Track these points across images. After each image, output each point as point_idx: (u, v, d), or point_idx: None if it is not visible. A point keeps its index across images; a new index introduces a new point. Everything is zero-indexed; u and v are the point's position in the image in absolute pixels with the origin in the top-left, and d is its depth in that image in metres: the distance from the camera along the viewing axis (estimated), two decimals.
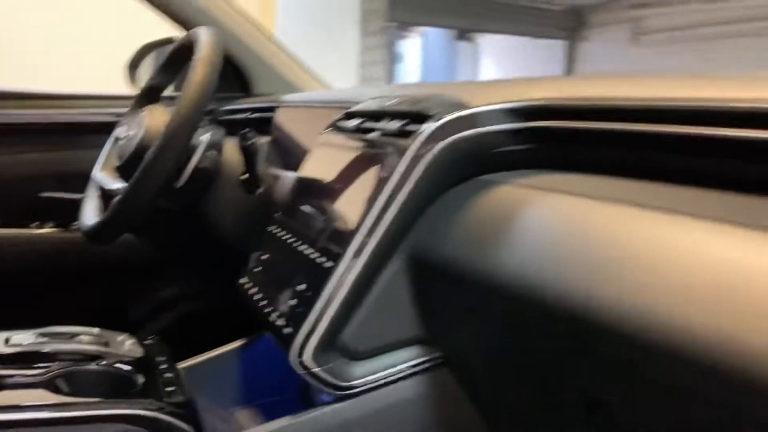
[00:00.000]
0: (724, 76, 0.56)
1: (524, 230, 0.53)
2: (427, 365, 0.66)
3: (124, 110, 1.29)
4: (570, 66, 8.91)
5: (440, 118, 0.62)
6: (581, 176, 0.55)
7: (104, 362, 0.66)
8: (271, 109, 1.20)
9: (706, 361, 0.37)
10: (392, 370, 0.65)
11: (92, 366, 0.65)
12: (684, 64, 7.22)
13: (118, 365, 0.67)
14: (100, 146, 1.27)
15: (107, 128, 1.27)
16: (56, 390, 0.60)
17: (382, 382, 0.64)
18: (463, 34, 9.97)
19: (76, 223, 1.13)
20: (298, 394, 0.79)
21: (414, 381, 0.66)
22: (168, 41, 1.45)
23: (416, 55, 10.31)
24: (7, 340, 0.66)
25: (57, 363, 0.64)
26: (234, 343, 0.89)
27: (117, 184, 0.94)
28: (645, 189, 0.49)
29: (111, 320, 0.86)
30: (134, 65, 1.50)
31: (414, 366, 0.66)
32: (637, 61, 7.90)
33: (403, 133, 0.65)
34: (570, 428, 0.55)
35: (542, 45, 8.98)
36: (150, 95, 1.06)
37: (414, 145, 0.61)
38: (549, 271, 0.49)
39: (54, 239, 1.21)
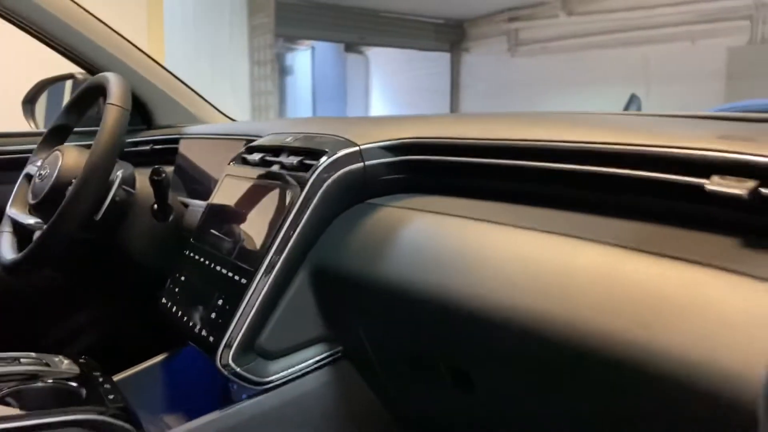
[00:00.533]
0: (547, 118, 0.74)
1: (399, 243, 0.67)
2: (330, 359, 0.79)
3: (25, 147, 1.33)
4: (454, 77, 9.34)
5: (333, 155, 0.75)
6: (442, 198, 0.71)
7: (48, 380, 0.74)
8: (174, 141, 1.28)
9: (524, 330, 0.53)
10: (302, 365, 0.77)
11: (38, 384, 0.73)
12: (556, 72, 7.78)
13: (60, 381, 0.75)
14: (2, 182, 1.31)
15: (9, 165, 1.31)
16: (8, 406, 0.68)
17: (294, 375, 0.77)
18: (352, 47, 10.20)
19: None
20: (221, 394, 0.89)
21: (320, 373, 0.78)
22: (66, 77, 1.49)
23: (307, 68, 10.42)
24: None
25: (4, 384, 0.71)
26: (158, 356, 0.98)
27: (32, 220, 1.00)
28: (486, 206, 0.65)
29: (34, 344, 0.92)
30: (31, 101, 1.53)
31: (319, 360, 0.79)
32: (515, 71, 8.42)
33: (302, 167, 0.78)
34: (444, 396, 0.70)
35: (430, 57, 9.37)
36: (58, 134, 1.12)
37: (312, 178, 0.75)
38: (418, 273, 0.63)
39: None
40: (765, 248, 0.44)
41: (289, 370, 0.77)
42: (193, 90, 1.48)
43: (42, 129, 1.53)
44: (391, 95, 10.17)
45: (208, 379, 0.91)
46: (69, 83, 1.61)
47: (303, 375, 0.78)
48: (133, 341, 1.00)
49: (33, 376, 0.74)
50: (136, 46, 1.43)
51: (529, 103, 7.82)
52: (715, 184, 0.46)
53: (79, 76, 1.46)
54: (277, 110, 7.91)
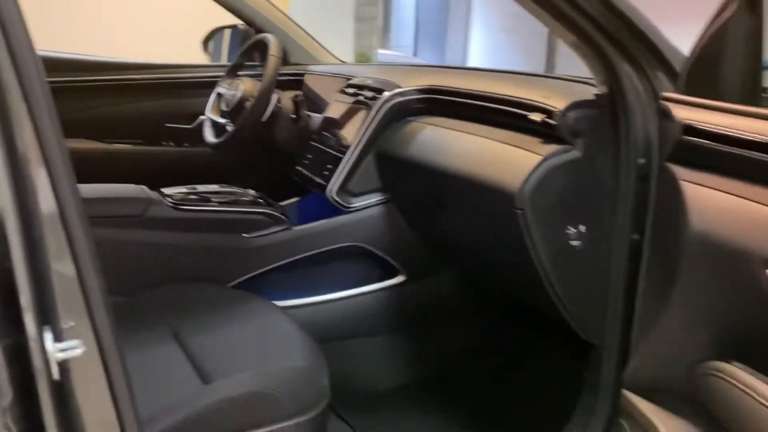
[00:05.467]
0: (485, 74, 1.40)
1: (419, 139, 1.37)
2: (384, 201, 1.51)
3: (209, 74, 2.09)
4: None
5: (389, 92, 1.45)
6: (441, 118, 1.39)
7: (247, 197, 1.53)
8: (301, 75, 2.01)
9: (460, 176, 1.22)
10: (368, 202, 1.50)
11: (244, 198, 1.51)
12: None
13: (254, 198, 1.54)
14: (194, 96, 2.09)
15: (200, 86, 2.07)
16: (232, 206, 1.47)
17: (365, 206, 1.50)
18: None
19: (196, 142, 1.97)
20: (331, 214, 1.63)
21: (377, 207, 1.51)
22: (231, 27, 2.22)
23: None
24: (194, 188, 1.53)
25: (225, 196, 1.50)
26: (294, 198, 1.76)
27: (224, 120, 1.76)
28: (458, 122, 1.32)
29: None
30: (207, 42, 2.29)
31: (377, 201, 1.51)
32: None
33: (373, 99, 1.48)
34: (434, 215, 1.40)
35: None
36: (236, 69, 1.86)
37: (378, 104, 1.45)
38: (426, 154, 1.33)
39: (175, 152, 2.06)
40: (545, 143, 1.10)
41: (362, 203, 1.50)
42: (312, 37, 2.18)
43: (212, 62, 2.29)
44: (492, 21, 10.34)
45: (321, 210, 1.66)
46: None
47: (369, 207, 1.51)
48: (280, 190, 1.77)
49: (240, 195, 1.53)
50: (275, 6, 2.14)
51: None
52: (532, 116, 1.12)
53: (240, 27, 2.18)
54: (380, 37, 8.54)
